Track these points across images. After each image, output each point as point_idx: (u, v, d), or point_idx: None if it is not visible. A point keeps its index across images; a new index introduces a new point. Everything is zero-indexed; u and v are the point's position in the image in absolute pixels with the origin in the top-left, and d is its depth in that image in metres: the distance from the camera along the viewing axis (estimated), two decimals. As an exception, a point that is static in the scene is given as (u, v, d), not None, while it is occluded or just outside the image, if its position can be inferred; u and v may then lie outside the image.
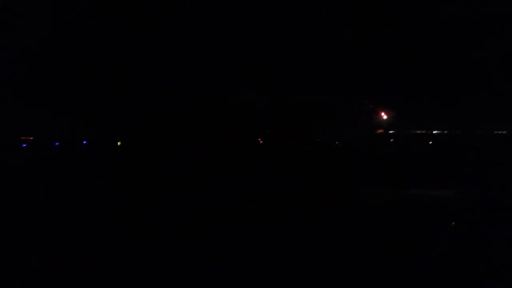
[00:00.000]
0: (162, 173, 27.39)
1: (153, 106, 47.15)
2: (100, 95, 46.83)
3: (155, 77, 46.81)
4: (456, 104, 41.22)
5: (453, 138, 47.30)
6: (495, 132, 45.19)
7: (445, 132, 53.98)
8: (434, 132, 55.64)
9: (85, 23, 44.40)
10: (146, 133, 47.71)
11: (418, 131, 51.38)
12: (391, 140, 48.33)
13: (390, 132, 48.42)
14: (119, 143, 46.16)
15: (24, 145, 44.69)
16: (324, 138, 45.87)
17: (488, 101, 39.22)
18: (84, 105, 49.44)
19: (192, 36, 44.33)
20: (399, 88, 40.61)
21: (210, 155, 37.19)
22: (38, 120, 51.91)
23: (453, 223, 18.30)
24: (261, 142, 45.98)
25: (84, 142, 48.00)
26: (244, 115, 45.73)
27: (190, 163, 32.24)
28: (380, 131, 45.36)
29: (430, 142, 45.67)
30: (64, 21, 43.94)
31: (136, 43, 44.75)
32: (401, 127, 47.93)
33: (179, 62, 45.78)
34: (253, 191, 19.85)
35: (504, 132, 44.20)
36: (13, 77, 47.07)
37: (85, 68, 47.43)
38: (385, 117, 40.35)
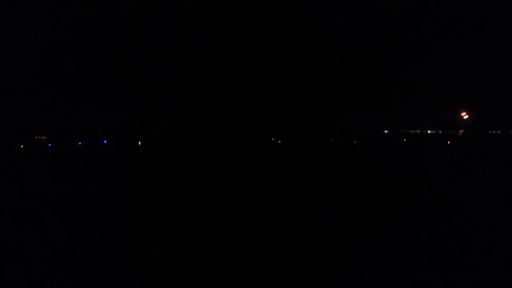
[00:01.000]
0: (183, 171, 26.90)
1: (172, 105, 46.94)
2: (121, 95, 46.42)
3: (172, 77, 46.59)
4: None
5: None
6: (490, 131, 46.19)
7: (440, 131, 54.88)
8: (429, 131, 56.52)
9: (108, 24, 43.84)
10: (167, 132, 47.41)
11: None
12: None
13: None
14: (139, 142, 45.74)
15: (49, 145, 44.04)
16: (341, 137, 46.04)
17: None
18: (103, 105, 48.93)
19: (209, 37, 44.18)
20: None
21: (232, 153, 36.81)
22: (53, 119, 51.15)
23: (497, 161, 17.99)
24: (280, 142, 45.95)
25: (105, 142, 47.52)
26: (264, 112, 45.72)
27: (205, 162, 31.76)
28: (461, 131, 45.14)
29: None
30: (84, 21, 43.31)
31: (157, 47, 44.45)
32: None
33: (196, 63, 45.59)
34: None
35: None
36: (29, 77, 46.23)
37: (103, 68, 46.89)
38: (466, 116, 40.07)
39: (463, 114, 39.91)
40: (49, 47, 44.13)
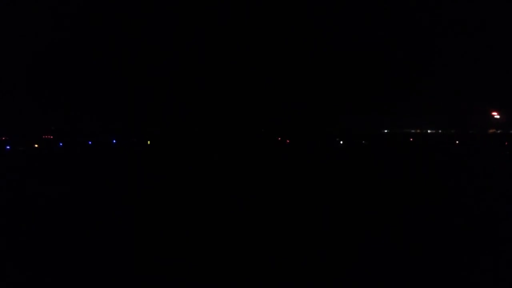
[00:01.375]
0: (191, 169, 26.40)
1: (181, 105, 46.70)
2: (131, 95, 46.23)
3: (181, 79, 46.41)
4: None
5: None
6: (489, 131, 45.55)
7: (440, 131, 54.39)
8: (429, 131, 56.03)
9: (115, 23, 43.60)
10: (176, 132, 47.19)
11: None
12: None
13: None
14: (148, 142, 45.59)
15: (60, 144, 44.02)
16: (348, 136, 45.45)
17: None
18: (112, 104, 48.82)
19: (217, 39, 43.89)
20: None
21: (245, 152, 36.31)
22: (60, 119, 51.04)
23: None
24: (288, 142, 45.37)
25: (114, 141, 47.43)
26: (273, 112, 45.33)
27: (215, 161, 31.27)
28: (492, 130, 44.26)
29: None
30: (97, 21, 43.04)
31: (162, 47, 44.23)
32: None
33: (202, 64, 45.39)
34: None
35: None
36: (37, 76, 46.04)
37: (112, 70, 46.72)
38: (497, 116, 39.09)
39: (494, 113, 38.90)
40: (55, 47, 43.94)
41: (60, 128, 49.46)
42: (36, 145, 40.58)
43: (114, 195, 17.73)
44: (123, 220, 12.84)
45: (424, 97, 47.32)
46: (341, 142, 44.21)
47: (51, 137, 48.10)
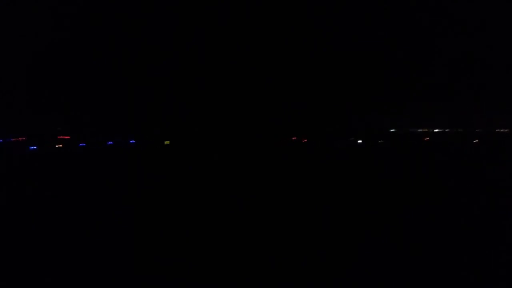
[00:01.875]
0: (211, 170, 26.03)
1: (197, 105, 46.56)
2: (131, 95, 46.01)
3: (195, 79, 46.25)
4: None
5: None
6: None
7: (446, 130, 53.58)
8: (436, 130, 55.20)
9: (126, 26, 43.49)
10: (192, 132, 47.12)
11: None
12: None
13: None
14: (166, 142, 45.63)
15: (82, 145, 44.41)
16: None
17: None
18: (129, 104, 48.82)
19: (230, 39, 43.61)
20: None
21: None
22: (76, 120, 51.11)
23: None
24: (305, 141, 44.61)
25: (133, 141, 47.65)
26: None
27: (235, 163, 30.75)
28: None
29: None
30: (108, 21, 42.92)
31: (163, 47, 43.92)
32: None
33: (205, 64, 45.09)
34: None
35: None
36: (52, 78, 46.13)
37: (126, 70, 46.72)
38: None
39: None
40: (62, 45, 43.87)
41: (71, 128, 49.40)
42: (60, 145, 40.92)
43: (117, 194, 17.68)
44: (123, 220, 12.81)
45: (431, 95, 46.52)
46: (359, 141, 43.60)
47: (68, 137, 47.99)
